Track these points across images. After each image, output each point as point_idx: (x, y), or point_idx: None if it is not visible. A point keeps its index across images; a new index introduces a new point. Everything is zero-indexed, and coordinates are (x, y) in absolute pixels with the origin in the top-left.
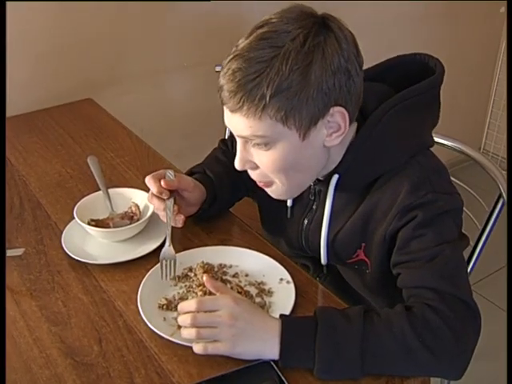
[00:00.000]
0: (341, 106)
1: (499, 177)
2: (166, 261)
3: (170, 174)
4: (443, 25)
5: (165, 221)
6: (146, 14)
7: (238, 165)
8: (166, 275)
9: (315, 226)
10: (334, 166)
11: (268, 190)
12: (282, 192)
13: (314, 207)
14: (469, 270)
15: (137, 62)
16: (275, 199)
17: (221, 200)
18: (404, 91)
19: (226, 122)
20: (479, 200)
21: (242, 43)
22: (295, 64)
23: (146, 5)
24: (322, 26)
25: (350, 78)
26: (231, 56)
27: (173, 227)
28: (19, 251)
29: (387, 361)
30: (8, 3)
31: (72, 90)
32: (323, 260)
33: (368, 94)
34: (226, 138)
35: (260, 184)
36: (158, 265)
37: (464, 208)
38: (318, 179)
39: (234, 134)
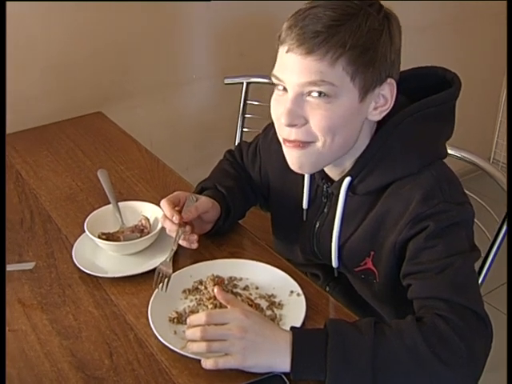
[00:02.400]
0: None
1: None
2: (161, 273)
3: (192, 198)
4: (451, 35)
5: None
6: (155, 27)
7: (287, 119)
8: (162, 288)
9: (326, 229)
10: (353, 159)
11: (299, 152)
12: (316, 156)
13: (326, 210)
14: (480, 280)
15: (146, 76)
16: (289, 204)
17: (234, 214)
18: (422, 101)
19: (285, 71)
20: (489, 210)
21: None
22: (373, 25)
23: (155, 18)
24: (387, 10)
25: (399, 63)
26: (307, 7)
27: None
28: (30, 265)
29: (399, 372)
30: (19, 18)
31: (82, 103)
32: (334, 263)
33: None
34: (233, 148)
35: (293, 144)
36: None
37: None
38: (331, 181)
39: (295, 82)
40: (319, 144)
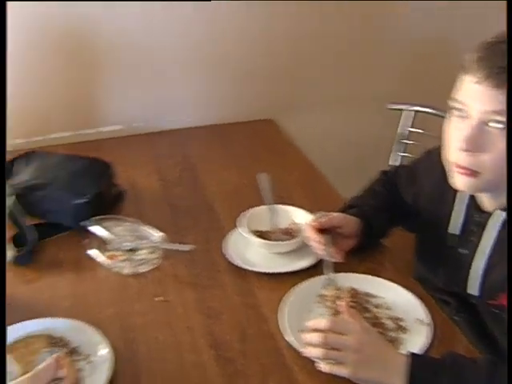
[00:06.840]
0: None
1: None
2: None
3: (322, 214)
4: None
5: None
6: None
7: (466, 144)
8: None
9: (472, 258)
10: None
11: (467, 179)
12: (482, 187)
13: (474, 239)
14: None
15: (322, 90)
16: (438, 228)
17: (377, 232)
18: None
19: (470, 98)
20: None
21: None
22: None
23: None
24: None
25: None
26: (495, 41)
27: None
28: (188, 247)
29: None
30: None
31: (255, 110)
32: (476, 291)
33: None
34: (388, 169)
35: (463, 171)
36: (306, 283)
37: None
38: (482, 210)
39: (480, 109)
40: (486, 177)
